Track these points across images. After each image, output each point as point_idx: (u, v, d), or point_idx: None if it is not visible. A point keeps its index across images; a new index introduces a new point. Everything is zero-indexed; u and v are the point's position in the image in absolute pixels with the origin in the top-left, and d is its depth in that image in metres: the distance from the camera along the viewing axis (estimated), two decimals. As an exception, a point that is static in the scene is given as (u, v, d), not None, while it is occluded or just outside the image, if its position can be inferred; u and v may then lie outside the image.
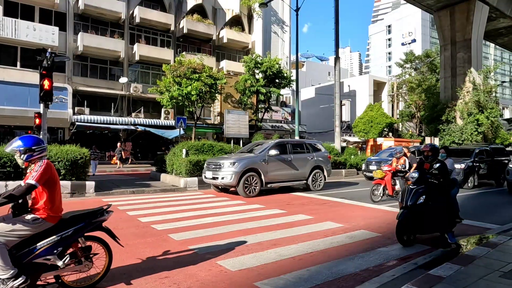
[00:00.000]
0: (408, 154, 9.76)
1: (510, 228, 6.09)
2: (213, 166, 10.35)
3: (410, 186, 5.22)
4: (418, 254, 4.69)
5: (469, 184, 12.61)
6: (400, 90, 41.24)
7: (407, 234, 5.07)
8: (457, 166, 12.26)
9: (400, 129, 40.05)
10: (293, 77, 23.92)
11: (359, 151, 24.55)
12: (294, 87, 25.16)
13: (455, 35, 26.85)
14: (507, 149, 26.17)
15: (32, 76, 20.77)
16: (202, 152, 13.54)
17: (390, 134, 37.02)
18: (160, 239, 5.30)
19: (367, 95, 42.29)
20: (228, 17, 30.92)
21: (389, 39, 75.78)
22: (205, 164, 10.86)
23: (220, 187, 10.74)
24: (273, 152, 10.35)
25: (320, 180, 11.63)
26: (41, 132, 11.14)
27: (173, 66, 21.08)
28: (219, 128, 26.83)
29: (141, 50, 26.11)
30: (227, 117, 19.75)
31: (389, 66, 72.19)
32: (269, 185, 10.46)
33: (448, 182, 5.44)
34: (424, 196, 5.04)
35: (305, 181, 11.36)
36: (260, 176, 10.10)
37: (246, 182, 9.83)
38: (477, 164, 13.06)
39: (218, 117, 28.37)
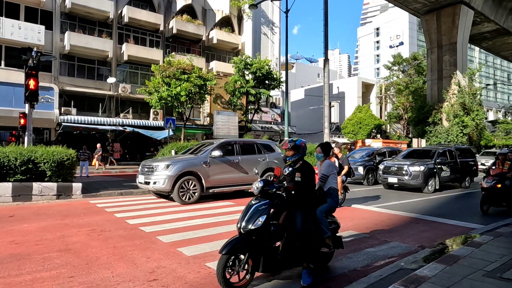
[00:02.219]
0: (340, 155, 8.69)
1: (493, 228, 6.24)
2: (146, 169, 9.18)
3: (252, 202, 3.71)
4: (405, 254, 4.76)
5: (429, 188, 11.75)
6: (388, 92, 41.81)
7: (238, 274, 3.48)
8: (416, 168, 11.75)
9: (388, 131, 40.58)
10: (283, 79, 24.02)
11: (348, 152, 24.75)
12: (283, 88, 25.27)
13: (441, 39, 27.38)
14: (490, 150, 26.74)
15: (17, 76, 20.33)
16: (191, 153, 13.45)
17: (379, 135, 37.48)
18: (148, 241, 5.25)
19: (356, 97, 42.72)
20: (217, 18, 30.85)
21: (378, 42, 76.73)
22: (140, 167, 9.72)
23: (157, 192, 9.55)
24: (216, 153, 9.23)
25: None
26: (26, 133, 10.95)
27: (162, 67, 20.94)
28: (208, 129, 26.73)
29: (130, 50, 25.85)
30: (216, 118, 19.73)
31: (378, 68, 73.10)
32: (211, 190, 9.30)
33: (308, 195, 3.86)
34: (264, 216, 3.51)
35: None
36: (200, 180, 8.99)
37: (183, 187, 8.73)
38: (438, 166, 12.27)
39: (208, 118, 28.27)
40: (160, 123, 24.87)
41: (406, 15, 57.44)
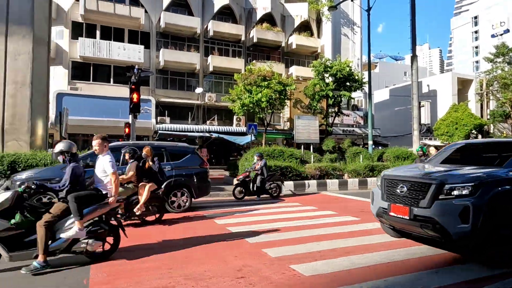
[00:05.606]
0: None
1: None
2: None
3: None
4: (516, 272, 4.14)
5: None
6: (490, 88, 36.80)
7: None
8: None
9: (491, 131, 35.68)
10: (365, 79, 23.04)
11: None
12: (366, 89, 24.21)
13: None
14: None
15: (122, 91, 23.35)
16: (273, 157, 13.77)
17: (480, 136, 33.18)
18: (235, 241, 5.55)
19: (450, 95, 38.56)
20: (296, 23, 31.07)
21: (476, 32, 68.21)
22: None
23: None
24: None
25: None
26: (130, 140, 12.48)
27: (244, 75, 21.87)
28: (289, 133, 26.96)
29: (215, 61, 27.62)
30: (297, 123, 19.79)
31: (476, 62, 64.92)
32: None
33: None
34: None
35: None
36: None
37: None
38: None
39: (288, 123, 28.53)
40: (243, 129, 25.95)
41: (512, -2, 50.11)
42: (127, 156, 6.95)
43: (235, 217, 7.60)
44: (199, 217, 7.67)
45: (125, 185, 6.63)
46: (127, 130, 16.60)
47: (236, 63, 28.44)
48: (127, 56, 24.54)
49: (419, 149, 9.42)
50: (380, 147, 25.18)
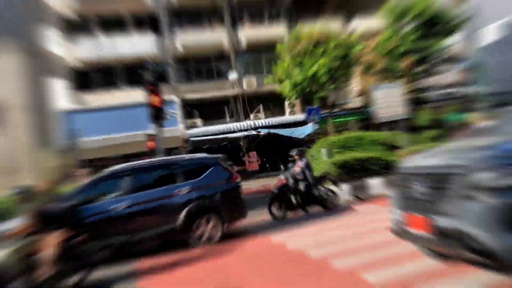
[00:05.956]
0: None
1: None
2: None
3: None
4: None
5: None
6: None
7: None
8: None
9: None
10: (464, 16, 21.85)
11: None
12: (468, 30, 22.94)
13: None
14: None
15: (135, 95, 24.30)
16: (349, 148, 13.59)
17: None
18: (318, 268, 5.60)
19: None
20: (353, -44, 30.20)
21: None
22: None
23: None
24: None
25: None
26: (157, 156, 12.96)
27: (290, 44, 21.75)
28: (363, 112, 26.34)
29: (247, 33, 27.73)
30: (375, 95, 19.22)
31: None
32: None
33: None
34: None
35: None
36: None
37: None
38: None
39: (360, 98, 27.84)
40: (300, 116, 25.78)
41: None
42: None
43: (310, 236, 7.67)
44: (262, 240, 7.86)
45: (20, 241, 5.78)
46: (150, 144, 17.23)
47: (275, 29, 28.25)
48: (136, 50, 25.52)
49: (457, 116, 7.99)
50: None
